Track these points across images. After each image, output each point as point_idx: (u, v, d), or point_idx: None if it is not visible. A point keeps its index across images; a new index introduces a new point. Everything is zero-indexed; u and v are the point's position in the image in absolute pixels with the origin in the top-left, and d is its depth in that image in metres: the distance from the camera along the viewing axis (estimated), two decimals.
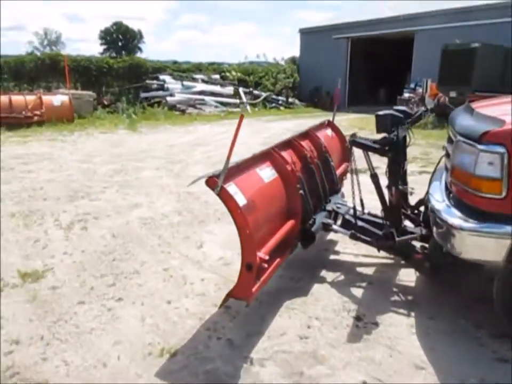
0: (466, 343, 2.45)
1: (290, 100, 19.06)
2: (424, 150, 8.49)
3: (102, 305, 2.86)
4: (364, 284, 3.14)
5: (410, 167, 7.11)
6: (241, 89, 17.95)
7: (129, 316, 2.75)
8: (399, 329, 2.61)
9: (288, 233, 2.86)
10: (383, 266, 3.43)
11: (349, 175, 3.62)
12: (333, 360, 2.34)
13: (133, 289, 3.09)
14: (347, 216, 3.39)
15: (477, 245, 2.28)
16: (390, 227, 2.96)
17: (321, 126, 4.36)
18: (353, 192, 3.30)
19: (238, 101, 17.34)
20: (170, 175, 6.52)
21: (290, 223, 2.91)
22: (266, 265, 2.43)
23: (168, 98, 15.38)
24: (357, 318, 2.72)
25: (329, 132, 4.47)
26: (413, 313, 2.76)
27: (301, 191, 3.04)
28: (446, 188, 2.72)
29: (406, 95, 14.97)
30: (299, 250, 3.22)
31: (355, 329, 2.61)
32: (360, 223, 3.28)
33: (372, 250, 3.60)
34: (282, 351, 2.41)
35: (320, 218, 3.28)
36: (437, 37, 15.37)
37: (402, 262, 3.28)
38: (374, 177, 3.28)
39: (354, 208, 3.29)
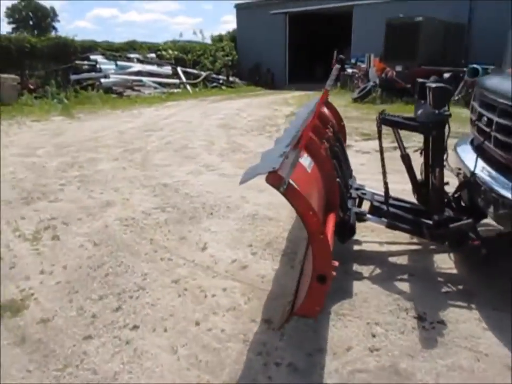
0: None
1: (231, 78, 18.43)
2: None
3: (115, 338, 2.29)
4: (405, 276, 2.84)
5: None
6: (179, 69, 17.00)
7: (155, 348, 2.22)
8: (469, 326, 2.33)
9: (333, 229, 2.46)
10: (414, 253, 3.16)
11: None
12: (419, 374, 2.01)
13: (145, 311, 2.54)
14: (375, 203, 3.05)
15: None
16: (437, 213, 2.66)
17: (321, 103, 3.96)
18: (384, 176, 2.96)
19: (177, 81, 16.43)
20: (134, 165, 5.81)
21: (332, 218, 2.51)
22: (335, 273, 2.02)
23: (103, 80, 14.12)
24: (419, 318, 2.41)
25: (326, 109, 4.10)
26: (473, 305, 2.51)
27: (338, 179, 2.65)
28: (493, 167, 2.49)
29: (349, 70, 14.97)
30: None
31: (424, 332, 2.30)
32: (392, 209, 2.96)
33: (394, 236, 3.35)
34: (358, 371, 2.04)
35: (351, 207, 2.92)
36: (375, 12, 15.48)
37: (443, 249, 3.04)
38: (406, 158, 2.96)
39: (386, 193, 2.96)
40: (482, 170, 2.60)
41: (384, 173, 3.00)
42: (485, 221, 2.96)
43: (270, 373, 2.04)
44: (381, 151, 3.00)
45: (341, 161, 3.01)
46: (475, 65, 10.31)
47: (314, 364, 2.09)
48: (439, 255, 3.10)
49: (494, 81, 2.73)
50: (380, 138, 2.99)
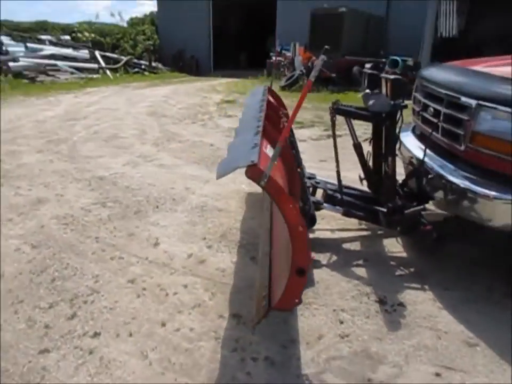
0: (492, 308, 2.45)
1: (153, 64, 17.76)
2: (316, 113, 8.66)
3: (76, 348, 2.11)
4: (360, 262, 2.95)
5: (316, 132, 7.23)
6: (98, 53, 16.02)
7: (123, 355, 2.08)
8: (426, 306, 2.49)
9: None
10: (365, 239, 3.29)
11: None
12: (390, 356, 2.10)
13: (104, 316, 2.37)
14: (329, 192, 3.11)
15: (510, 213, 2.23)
16: (391, 201, 2.79)
17: (267, 92, 3.95)
18: (337, 165, 3.02)
19: (96, 65, 15.47)
20: (62, 158, 5.37)
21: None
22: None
23: (11, 64, 12.86)
24: (381, 302, 2.51)
25: (271, 98, 4.09)
26: (426, 287, 2.67)
27: (299, 169, 2.66)
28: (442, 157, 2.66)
29: (275, 58, 15.13)
30: None
31: (387, 315, 2.41)
32: (346, 197, 3.05)
33: (344, 223, 3.46)
34: (333, 358, 2.08)
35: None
36: (299, 1, 15.75)
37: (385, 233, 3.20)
38: (358, 148, 3.05)
39: (339, 181, 3.03)
40: (430, 158, 2.76)
41: (337, 162, 3.06)
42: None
43: (248, 368, 2.01)
44: (335, 140, 3.06)
45: (297, 151, 3.02)
46: (395, 57, 10.89)
47: (290, 356, 2.10)
48: (388, 239, 3.26)
49: (439, 74, 2.89)
50: (333, 127, 3.03)
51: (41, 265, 2.86)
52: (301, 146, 6.09)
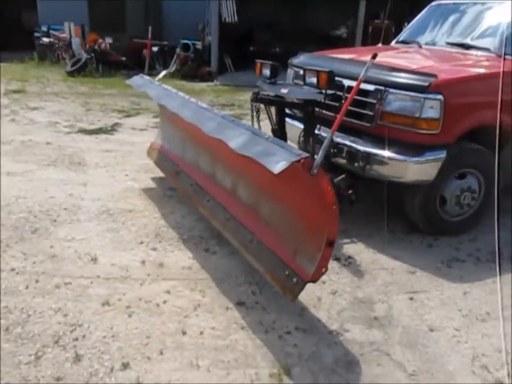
0: (407, 244, 3.25)
1: None
2: (130, 100, 8.37)
3: None
4: None
5: (148, 119, 7.06)
6: None
7: (175, 373, 1.96)
8: (367, 254, 3.10)
9: None
10: None
11: None
12: (374, 295, 2.62)
13: (113, 346, 2.11)
14: None
15: (418, 170, 3.02)
16: None
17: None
18: None
19: None
20: None
21: None
22: None
23: None
24: (337, 259, 3.00)
25: None
26: (355, 239, 3.30)
27: None
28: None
29: (46, 39, 13.45)
30: None
31: (348, 267, 2.92)
32: None
33: None
34: (340, 311, 2.47)
35: None
36: None
37: None
38: (276, 132, 3.39)
39: None
40: (342, 138, 3.32)
41: None
42: None
43: (290, 341, 2.21)
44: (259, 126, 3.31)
45: None
46: (186, 41, 11.34)
47: (311, 321, 2.38)
48: None
49: (337, 65, 3.42)
50: (257, 115, 3.28)
51: None
52: (144, 135, 5.89)
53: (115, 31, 11.72)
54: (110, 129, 6.06)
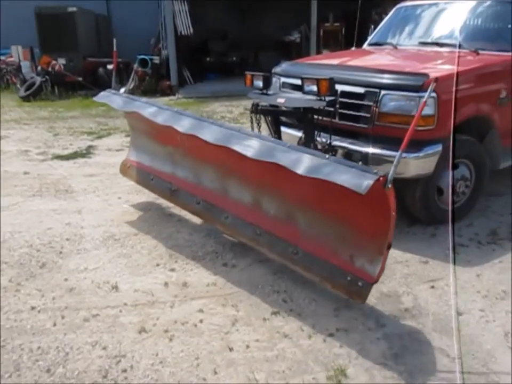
0: (412, 237, 3.40)
1: None
2: (96, 121, 8.18)
3: None
4: None
5: (122, 139, 6.90)
6: None
7: None
8: None
9: None
10: None
11: None
12: (398, 289, 2.73)
13: (164, 371, 2.08)
14: None
15: (418, 165, 3.17)
16: None
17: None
18: None
19: None
20: None
21: None
22: None
23: None
24: None
25: None
26: None
27: None
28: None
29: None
30: None
31: None
32: None
33: None
34: (385, 296, 2.56)
35: None
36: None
37: None
38: None
39: None
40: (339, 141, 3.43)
41: None
42: None
43: (350, 338, 2.27)
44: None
45: None
46: (144, 56, 11.20)
47: (360, 316, 2.45)
48: None
49: (331, 72, 3.51)
50: (259, 127, 3.32)
51: (13, 364, 2.13)
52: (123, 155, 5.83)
53: (67, 51, 11.38)
54: (86, 153, 5.90)
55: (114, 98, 3.67)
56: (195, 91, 11.33)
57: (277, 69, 4.12)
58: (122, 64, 12.26)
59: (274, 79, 4.16)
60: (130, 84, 11.53)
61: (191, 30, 11.22)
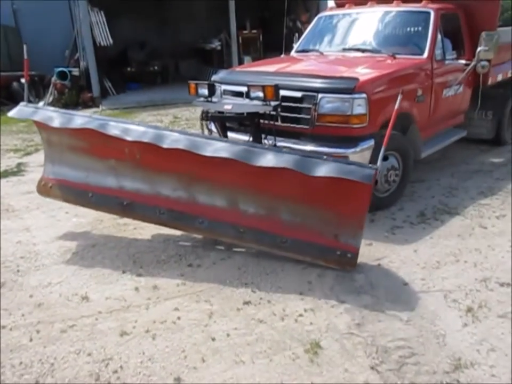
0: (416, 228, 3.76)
1: None
2: (20, 137, 7.78)
3: None
4: None
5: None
6: None
7: None
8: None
9: None
10: None
11: None
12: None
13: (196, 374, 2.19)
14: None
15: (355, 159, 3.53)
16: None
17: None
18: None
19: None
20: None
21: None
22: None
23: None
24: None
25: None
26: None
27: None
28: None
29: None
30: None
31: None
32: None
33: None
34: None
35: None
36: None
37: None
38: None
39: None
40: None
41: None
42: None
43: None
44: None
45: None
46: (63, 68, 10.77)
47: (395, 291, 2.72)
48: None
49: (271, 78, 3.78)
50: (210, 133, 3.49)
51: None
52: None
53: None
54: (17, 170, 5.64)
55: (42, 112, 3.43)
56: (119, 102, 11.11)
57: (216, 77, 4.32)
58: (37, 77, 11.68)
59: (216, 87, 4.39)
60: (49, 98, 11.05)
61: (110, 41, 11.01)
